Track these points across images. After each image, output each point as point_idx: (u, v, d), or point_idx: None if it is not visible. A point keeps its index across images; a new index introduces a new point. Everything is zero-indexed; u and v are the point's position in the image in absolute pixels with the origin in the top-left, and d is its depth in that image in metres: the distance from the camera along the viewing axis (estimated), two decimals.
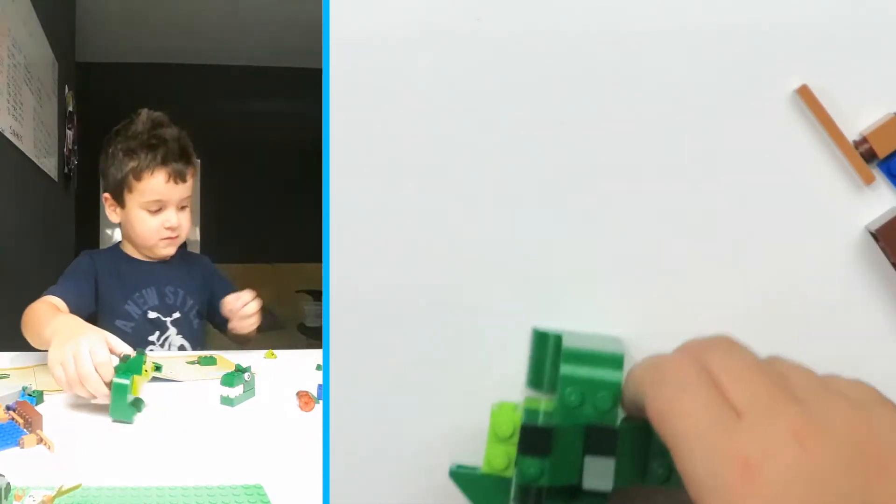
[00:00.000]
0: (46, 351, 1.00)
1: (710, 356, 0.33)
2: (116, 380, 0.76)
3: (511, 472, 0.37)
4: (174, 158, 1.16)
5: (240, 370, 0.90)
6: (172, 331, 1.20)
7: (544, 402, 0.38)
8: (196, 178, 1.23)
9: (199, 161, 1.26)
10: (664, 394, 0.32)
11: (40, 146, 2.48)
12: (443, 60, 0.42)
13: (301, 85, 3.76)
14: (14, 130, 2.01)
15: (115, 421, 0.77)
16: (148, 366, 0.81)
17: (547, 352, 0.41)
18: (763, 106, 0.42)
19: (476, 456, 0.39)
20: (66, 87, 3.14)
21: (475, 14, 0.42)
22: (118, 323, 1.14)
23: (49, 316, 0.96)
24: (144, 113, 1.21)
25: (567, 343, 0.39)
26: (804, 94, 0.42)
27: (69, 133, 3.22)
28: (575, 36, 0.42)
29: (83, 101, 3.58)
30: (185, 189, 1.19)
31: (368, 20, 0.42)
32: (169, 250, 1.21)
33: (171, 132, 1.19)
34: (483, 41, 0.42)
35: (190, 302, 1.24)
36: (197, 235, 4.70)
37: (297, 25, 3.64)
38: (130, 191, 1.17)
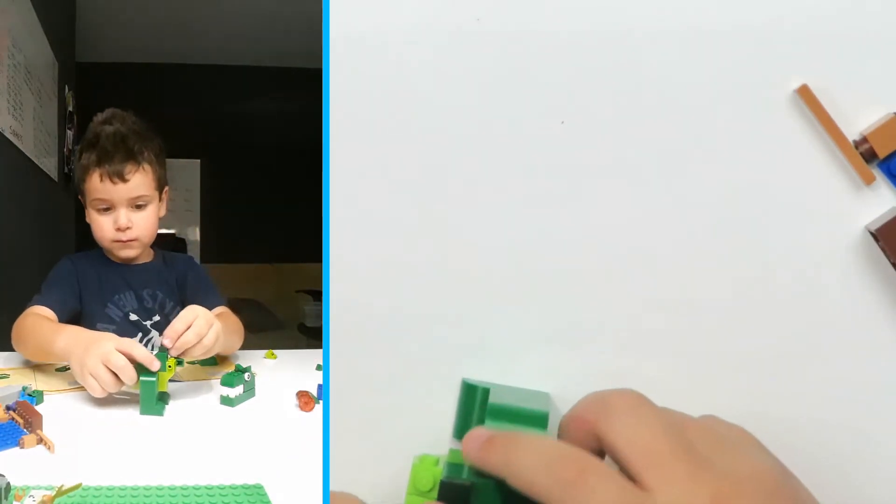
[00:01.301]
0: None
1: (610, 422, 0.33)
2: (143, 378, 0.80)
3: None
4: (108, 158, 1.10)
5: (240, 370, 0.90)
6: (154, 333, 1.19)
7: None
8: (154, 174, 1.15)
9: (152, 157, 1.16)
10: (572, 500, 0.31)
11: (40, 146, 2.48)
12: (442, 60, 0.42)
13: (301, 85, 3.76)
14: (14, 130, 2.01)
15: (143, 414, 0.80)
16: (170, 362, 0.83)
17: (475, 404, 0.40)
18: (763, 106, 0.42)
19: None
20: (66, 87, 3.14)
21: (474, 14, 0.42)
22: (100, 326, 1.12)
23: (51, 330, 0.96)
24: (105, 111, 1.18)
25: (493, 398, 0.39)
26: (804, 94, 0.42)
27: (69, 133, 3.22)
28: (574, 36, 0.42)
29: (83, 101, 3.58)
30: (132, 188, 1.11)
31: (368, 20, 0.42)
32: (126, 253, 1.17)
33: (109, 129, 1.13)
34: (482, 41, 0.42)
35: (170, 304, 1.23)
36: (197, 235, 4.70)
37: (297, 25, 3.64)
38: (83, 191, 1.15)
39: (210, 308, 1.19)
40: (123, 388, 0.81)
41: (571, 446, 0.34)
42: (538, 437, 0.35)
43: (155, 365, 0.80)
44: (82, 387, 0.88)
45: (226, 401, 0.86)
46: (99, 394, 0.80)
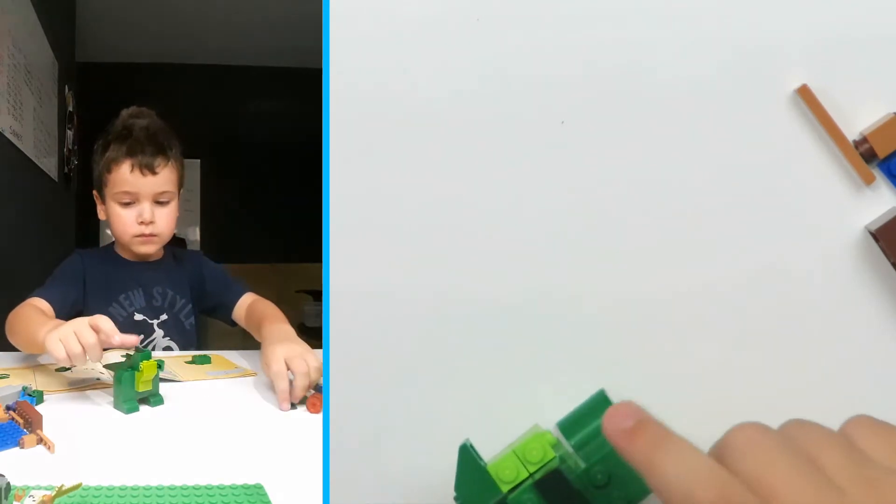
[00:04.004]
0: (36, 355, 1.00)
1: (734, 460, 0.31)
2: (118, 372, 0.80)
3: (504, 489, 0.37)
4: (140, 149, 1.12)
5: None
6: (159, 333, 1.19)
7: (573, 460, 0.38)
8: (178, 172, 1.17)
9: (178, 154, 1.18)
10: None
11: (40, 146, 2.48)
12: (442, 60, 0.42)
13: (301, 85, 3.76)
14: (14, 130, 2.01)
15: (118, 409, 0.81)
16: (146, 364, 0.82)
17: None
18: (763, 106, 0.42)
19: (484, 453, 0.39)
20: (66, 87, 3.14)
21: (474, 14, 0.42)
22: None
23: (40, 322, 0.95)
24: (129, 108, 1.19)
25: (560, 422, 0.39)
26: (804, 94, 0.42)
27: (69, 133, 3.22)
28: (575, 36, 0.42)
29: (83, 101, 3.58)
30: (159, 182, 1.13)
31: (368, 20, 0.42)
32: (147, 248, 1.18)
33: (141, 122, 1.15)
34: (482, 41, 0.42)
35: (181, 302, 1.22)
36: (197, 235, 4.70)
37: (297, 25, 3.64)
38: (105, 184, 1.15)
39: (238, 297, 1.20)
40: (102, 378, 0.82)
41: (718, 465, 0.31)
42: (686, 445, 0.32)
43: (103, 357, 0.80)
44: (82, 387, 0.88)
45: None
46: (62, 360, 0.80)
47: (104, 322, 0.81)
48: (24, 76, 2.17)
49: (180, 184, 1.20)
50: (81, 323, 0.81)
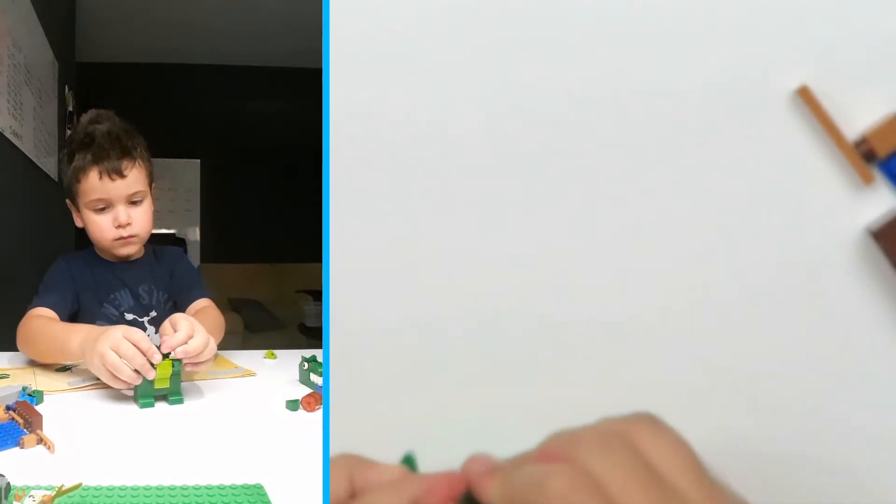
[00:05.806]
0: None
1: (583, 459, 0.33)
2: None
3: None
4: (105, 155, 1.11)
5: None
6: (150, 330, 1.19)
7: None
8: (146, 169, 1.17)
9: (143, 152, 1.17)
10: None
11: (40, 146, 2.48)
12: (443, 61, 0.42)
13: (301, 85, 3.77)
14: (14, 130, 2.01)
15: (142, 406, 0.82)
16: (166, 363, 0.83)
17: None
18: (763, 106, 0.42)
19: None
20: (66, 87, 3.14)
21: (474, 14, 0.42)
22: (98, 324, 1.13)
23: (64, 330, 0.97)
24: (88, 112, 1.19)
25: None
26: (804, 94, 0.42)
27: (69, 133, 3.22)
28: (576, 36, 0.42)
29: (83, 101, 3.58)
30: (129, 184, 1.13)
31: (368, 20, 0.42)
32: (128, 250, 1.18)
33: (102, 128, 1.14)
34: (483, 42, 0.42)
35: (165, 299, 1.23)
36: (197, 235, 4.70)
37: (297, 26, 3.64)
38: (77, 193, 1.15)
39: (193, 300, 1.20)
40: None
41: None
42: (526, 467, 0.34)
43: (157, 357, 0.82)
44: (82, 387, 0.88)
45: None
46: (118, 384, 0.81)
47: (144, 342, 0.82)
48: (24, 76, 2.17)
49: (150, 180, 1.20)
50: (117, 338, 0.82)
